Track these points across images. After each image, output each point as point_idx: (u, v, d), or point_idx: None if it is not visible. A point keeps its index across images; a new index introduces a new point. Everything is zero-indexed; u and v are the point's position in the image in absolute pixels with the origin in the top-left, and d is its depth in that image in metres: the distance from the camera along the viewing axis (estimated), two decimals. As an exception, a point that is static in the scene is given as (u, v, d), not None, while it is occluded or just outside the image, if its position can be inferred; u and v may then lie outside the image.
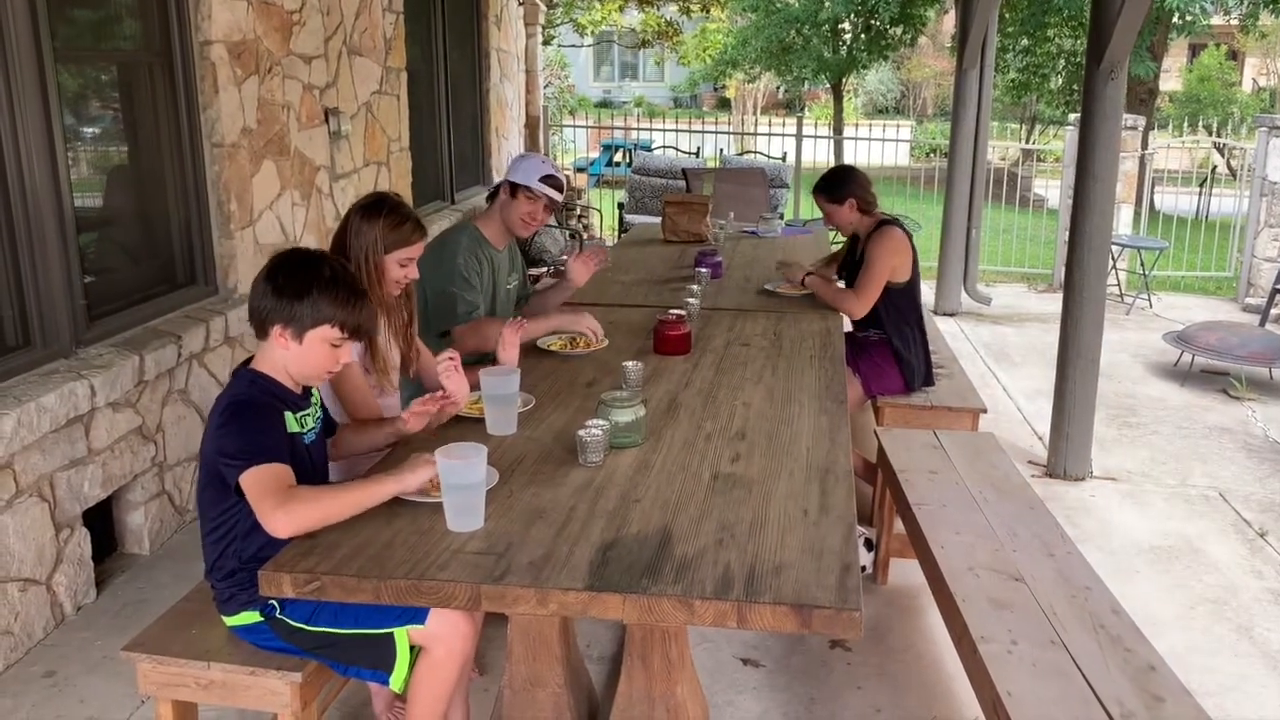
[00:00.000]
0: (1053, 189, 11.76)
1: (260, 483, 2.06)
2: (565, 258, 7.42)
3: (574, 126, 13.19)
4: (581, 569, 1.94)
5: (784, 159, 9.73)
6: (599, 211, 9.77)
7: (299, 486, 2.08)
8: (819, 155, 11.77)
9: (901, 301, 4.10)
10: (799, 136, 9.68)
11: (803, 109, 28.05)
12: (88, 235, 3.75)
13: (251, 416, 2.13)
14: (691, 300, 3.82)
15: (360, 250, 2.72)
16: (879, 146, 11.61)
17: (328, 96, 5.22)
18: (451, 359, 2.52)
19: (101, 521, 3.67)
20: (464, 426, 2.67)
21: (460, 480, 2.08)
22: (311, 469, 2.29)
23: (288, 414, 2.21)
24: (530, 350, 3.38)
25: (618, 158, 15.14)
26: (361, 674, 2.29)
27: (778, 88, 29.00)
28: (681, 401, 2.91)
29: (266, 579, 1.97)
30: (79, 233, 3.55)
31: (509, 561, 1.98)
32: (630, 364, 2.99)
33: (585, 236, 9.42)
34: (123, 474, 3.61)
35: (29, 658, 3.15)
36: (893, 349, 4.11)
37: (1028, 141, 15.72)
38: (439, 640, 2.22)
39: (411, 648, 2.24)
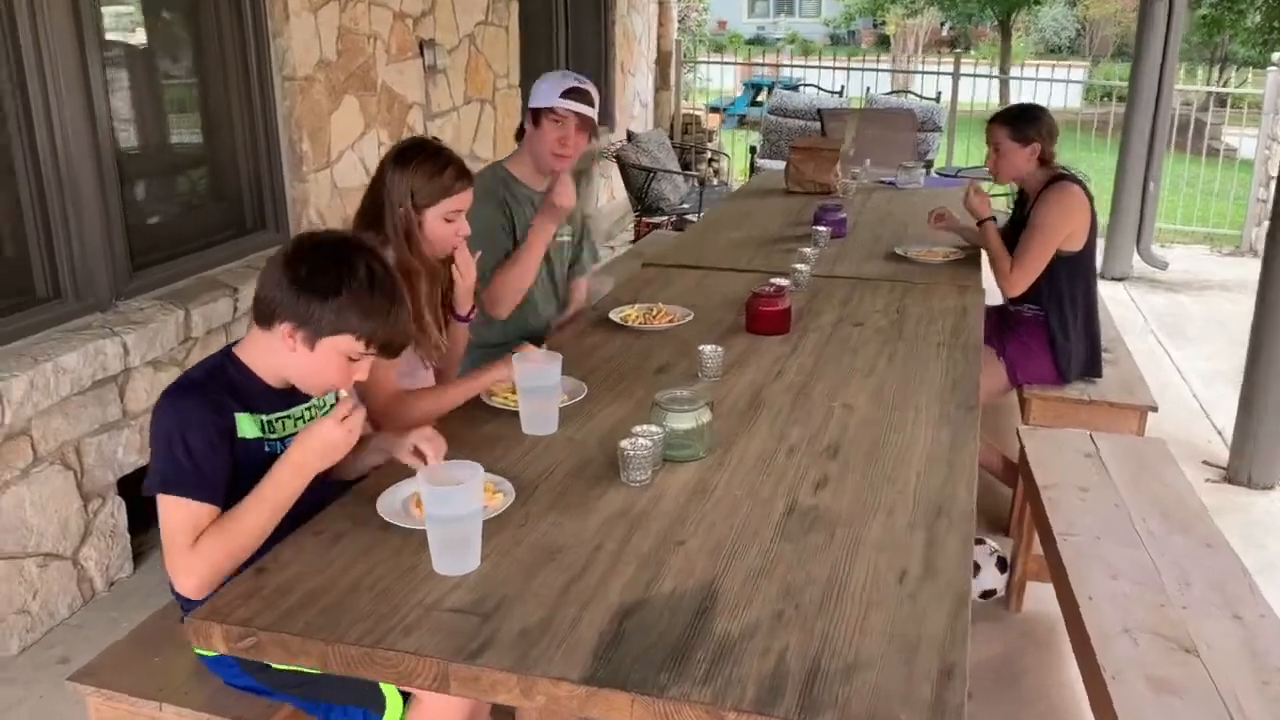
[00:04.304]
0: (1247, 139, 10.48)
1: (179, 518, 1.69)
2: (685, 206, 6.87)
3: (708, 63, 12.45)
4: (585, 647, 1.46)
5: (937, 99, 8.87)
6: (727, 156, 9.11)
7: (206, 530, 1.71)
8: (979, 96, 10.79)
9: (1069, 274, 3.40)
10: (956, 75, 8.77)
11: (968, 47, 26.37)
12: (138, 176, 3.44)
13: (192, 430, 1.70)
14: (800, 267, 3.25)
15: (394, 206, 2.28)
16: (1048, 88, 10.53)
17: (423, 26, 4.79)
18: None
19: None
20: (498, 422, 2.21)
21: (444, 511, 1.62)
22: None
23: (243, 417, 1.78)
24: (601, 323, 2.89)
25: (761, 97, 14.35)
26: (349, 713, 1.87)
27: (942, 24, 27.32)
28: (766, 399, 2.37)
29: (195, 628, 1.56)
30: (122, 173, 3.23)
31: (495, 628, 1.51)
32: (708, 348, 2.47)
33: (715, 181, 8.83)
34: (167, 438, 3.31)
35: (47, 639, 2.89)
36: (1048, 331, 3.45)
37: (1219, 84, 14.17)
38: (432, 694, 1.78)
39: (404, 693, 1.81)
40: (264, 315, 1.76)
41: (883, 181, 5.19)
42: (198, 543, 1.69)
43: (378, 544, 1.73)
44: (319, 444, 1.72)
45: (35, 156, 2.92)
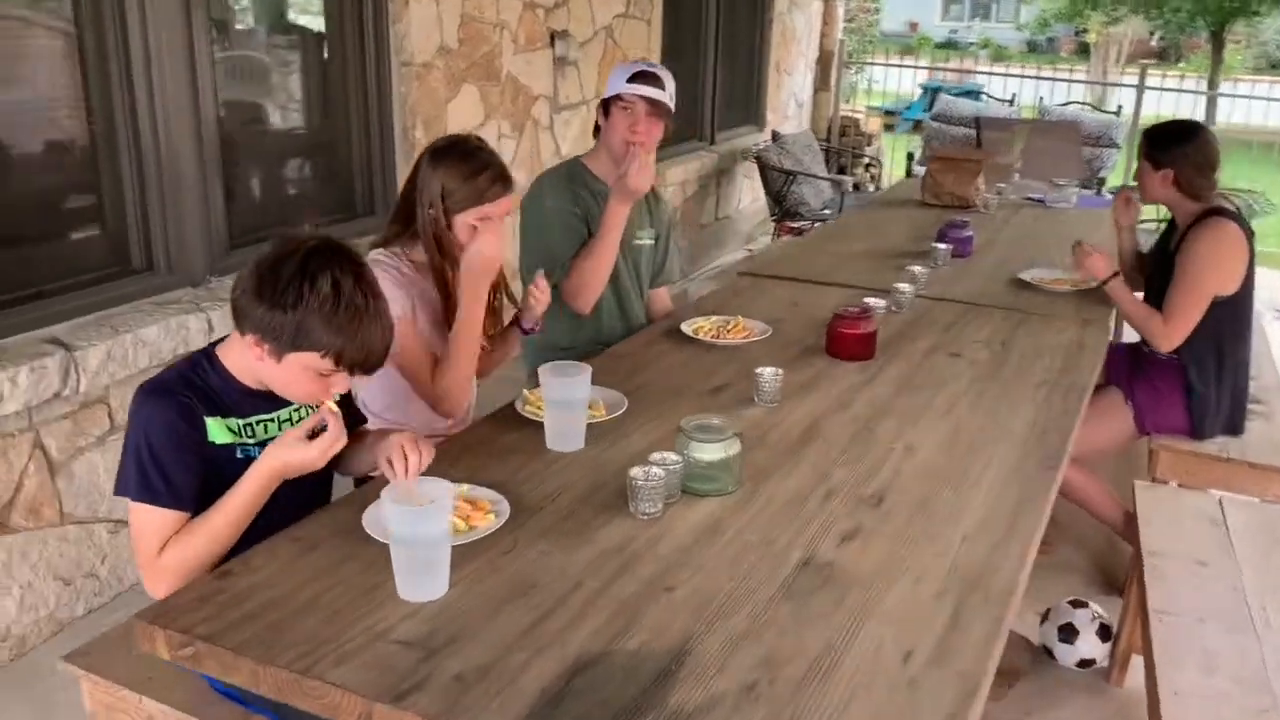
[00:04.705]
0: None
1: (146, 524, 1.64)
2: (826, 212, 6.60)
3: (873, 64, 11.98)
4: (522, 701, 1.31)
5: (1117, 113, 8.25)
6: (879, 162, 8.69)
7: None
8: (1184, 112, 9.97)
9: (1216, 318, 2.97)
10: (1140, 88, 8.11)
11: (1178, 59, 24.64)
12: (244, 155, 3.49)
13: (158, 435, 1.64)
14: (903, 287, 3.00)
15: (424, 207, 2.19)
16: (1263, 106, 9.61)
17: (555, 17, 4.72)
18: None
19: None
20: (526, 432, 2.09)
21: (407, 532, 1.50)
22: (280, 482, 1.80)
23: (213, 422, 1.70)
24: (671, 334, 2.73)
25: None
26: None
27: (1151, 33, 25.62)
28: (822, 430, 2.16)
29: (140, 630, 1.49)
30: (228, 152, 3.28)
31: (433, 668, 1.38)
32: (767, 371, 2.28)
33: (871, 187, 8.48)
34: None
35: (114, 604, 2.95)
36: (1185, 377, 3.06)
37: None
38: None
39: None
40: (236, 320, 1.68)
41: (1031, 199, 4.81)
42: (164, 550, 1.64)
43: (351, 558, 1.63)
44: (287, 458, 1.64)
45: (136, 131, 2.98)
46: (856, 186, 8.03)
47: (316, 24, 3.71)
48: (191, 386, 1.70)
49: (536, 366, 2.85)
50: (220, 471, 1.69)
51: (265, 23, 3.68)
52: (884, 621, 1.50)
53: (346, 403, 1.95)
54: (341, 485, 2.01)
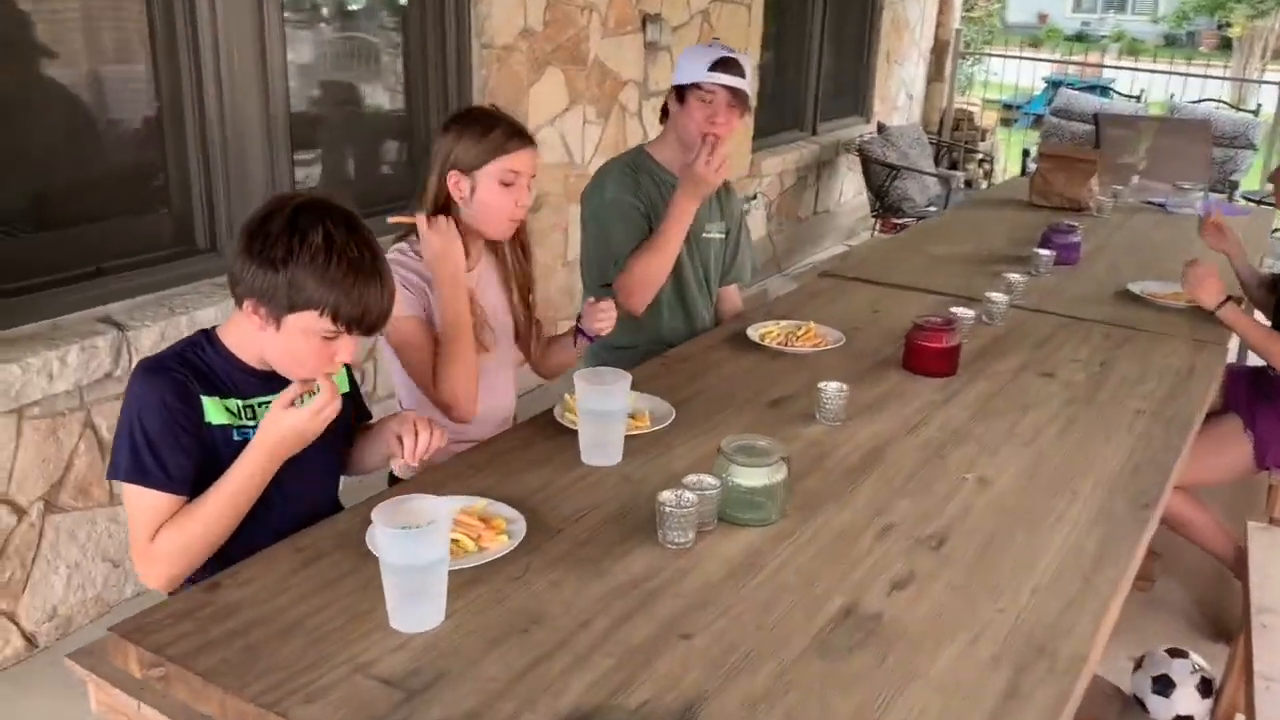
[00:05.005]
0: None
1: (137, 506, 1.54)
2: (931, 209, 6.29)
3: (990, 55, 11.41)
4: (499, 761, 1.17)
5: (1255, 112, 7.69)
6: (990, 158, 8.26)
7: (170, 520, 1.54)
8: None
9: None
10: (1285, 85, 7.54)
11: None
12: (316, 137, 3.43)
13: (151, 415, 1.55)
14: (996, 297, 2.76)
15: (438, 176, 2.05)
16: None
17: (647, 0, 4.56)
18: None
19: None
20: (560, 442, 1.94)
21: (398, 559, 1.37)
22: (281, 469, 1.69)
23: (210, 401, 1.61)
24: (735, 338, 2.56)
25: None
26: None
27: (1310, 28, 24.09)
28: (887, 457, 1.96)
29: (114, 644, 1.40)
30: (298, 134, 3.22)
31: (410, 712, 1.24)
32: (831, 386, 2.09)
33: (984, 184, 8.09)
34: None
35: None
36: (1314, 406, 2.75)
37: None
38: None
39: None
40: (231, 290, 1.59)
41: (1151, 202, 4.46)
42: (158, 535, 1.55)
43: (351, 573, 1.51)
44: (281, 430, 1.54)
45: (202, 108, 2.93)
46: (968, 183, 7.65)
47: (395, 2, 3.63)
48: (188, 364, 1.61)
49: (598, 363, 2.72)
50: (217, 454, 1.60)
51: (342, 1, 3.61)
52: (929, 688, 1.31)
53: (352, 396, 1.84)
54: (351, 493, 1.89)
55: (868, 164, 6.41)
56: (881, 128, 6.79)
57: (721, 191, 2.81)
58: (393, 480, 2.17)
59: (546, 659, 1.34)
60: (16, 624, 2.59)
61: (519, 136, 2.03)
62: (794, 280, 5.57)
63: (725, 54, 2.47)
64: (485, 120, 2.03)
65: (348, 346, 1.59)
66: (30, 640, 2.63)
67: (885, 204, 6.32)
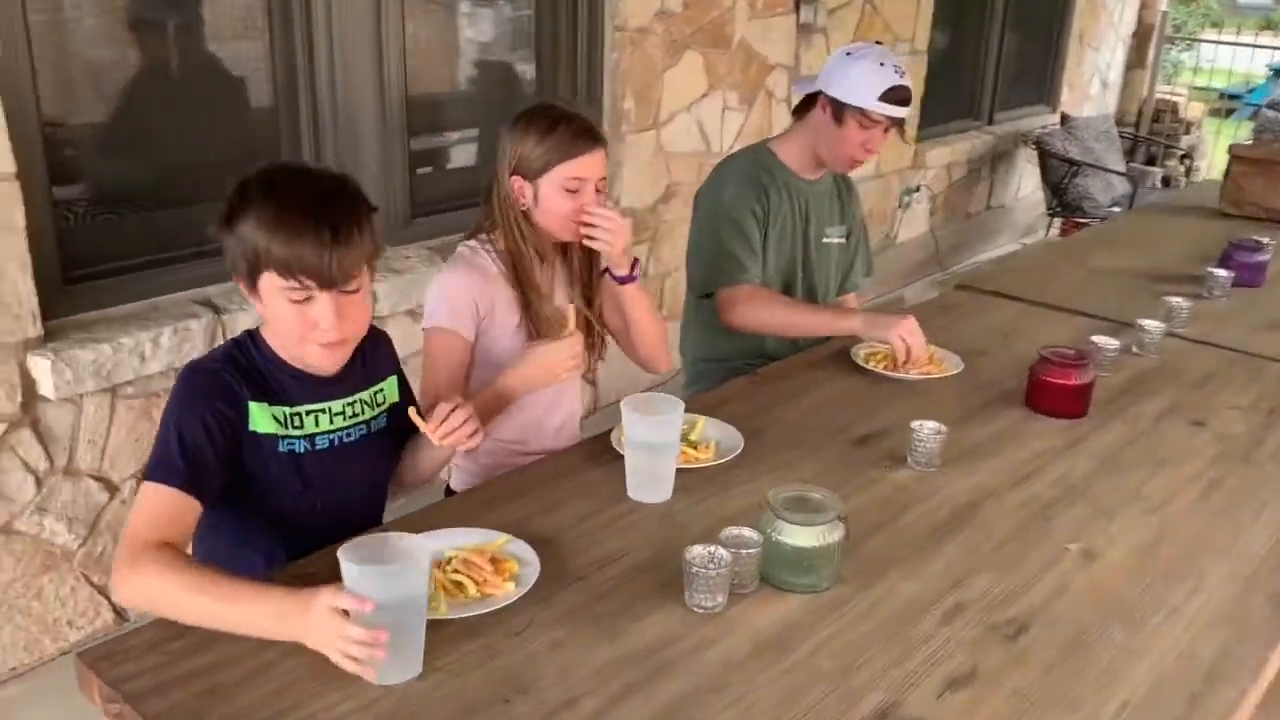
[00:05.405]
0: None
1: (146, 505, 1.42)
2: (1115, 209, 5.75)
3: (1202, 40, 10.34)
4: None
5: None
6: (1189, 156, 7.49)
7: (178, 551, 1.38)
8: None
9: None
10: None
11: None
12: (434, 123, 3.36)
13: (190, 417, 1.46)
14: (1150, 325, 2.42)
15: (501, 180, 1.90)
16: None
17: (802, -21, 4.29)
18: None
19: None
20: (608, 469, 1.77)
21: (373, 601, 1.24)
22: (326, 482, 1.60)
23: (258, 407, 1.52)
24: (837, 357, 2.32)
25: (1287, 86, 11.93)
26: None
27: None
28: (980, 513, 1.70)
29: (80, 671, 1.32)
30: (415, 120, 3.15)
31: (351, 790, 1.11)
32: (927, 426, 1.84)
33: (1184, 183, 7.38)
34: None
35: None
36: None
37: None
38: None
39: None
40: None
41: (1370, 214, 3.88)
42: (149, 568, 1.33)
43: (343, 612, 1.39)
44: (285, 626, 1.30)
45: (314, 90, 2.89)
46: (1167, 181, 6.99)
47: (527, -17, 3.51)
48: (236, 366, 1.54)
49: (693, 384, 2.54)
50: (262, 462, 1.52)
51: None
52: (961, 830, 1.08)
53: (399, 412, 1.71)
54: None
55: (1045, 158, 5.92)
56: (1065, 119, 6.25)
57: (843, 188, 2.58)
58: (448, 492, 2.06)
59: (518, 740, 1.18)
60: (107, 597, 2.63)
61: (583, 138, 1.86)
62: (936, 286, 5.19)
63: (898, 81, 2.27)
64: (548, 119, 1.87)
65: (325, 309, 1.46)
66: (120, 615, 2.67)
67: (1063, 202, 5.82)
